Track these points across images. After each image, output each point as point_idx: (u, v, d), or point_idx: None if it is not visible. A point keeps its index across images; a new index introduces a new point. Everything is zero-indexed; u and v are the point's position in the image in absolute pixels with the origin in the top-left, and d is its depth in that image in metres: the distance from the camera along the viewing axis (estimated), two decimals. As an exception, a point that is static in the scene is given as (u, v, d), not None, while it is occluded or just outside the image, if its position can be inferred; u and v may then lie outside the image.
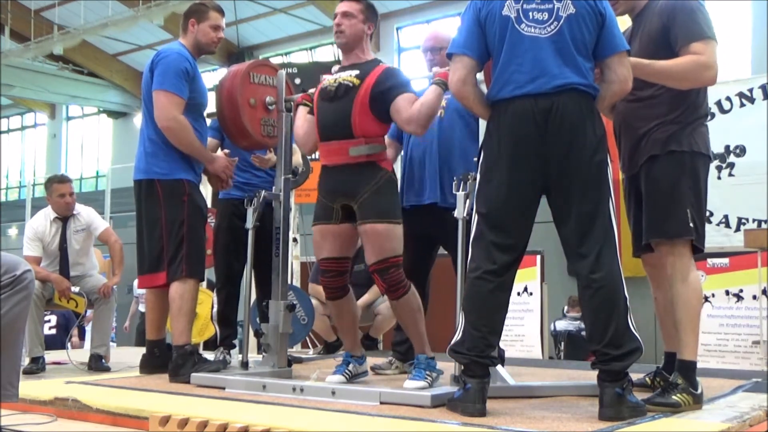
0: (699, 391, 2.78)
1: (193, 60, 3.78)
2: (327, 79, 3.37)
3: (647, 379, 3.21)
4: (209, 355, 4.06)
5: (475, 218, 2.84)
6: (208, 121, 4.07)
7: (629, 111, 3.01)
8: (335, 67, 3.45)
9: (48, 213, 4.89)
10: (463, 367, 2.74)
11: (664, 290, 3.07)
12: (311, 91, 3.53)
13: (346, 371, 3.36)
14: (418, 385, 3.03)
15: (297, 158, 4.27)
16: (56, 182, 4.91)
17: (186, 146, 3.69)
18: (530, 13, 2.72)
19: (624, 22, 3.06)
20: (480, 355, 2.68)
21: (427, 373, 3.12)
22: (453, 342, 2.76)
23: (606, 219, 2.70)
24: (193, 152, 3.72)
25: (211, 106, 3.97)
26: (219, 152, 4.07)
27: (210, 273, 4.91)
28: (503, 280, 2.74)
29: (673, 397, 2.71)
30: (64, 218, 4.86)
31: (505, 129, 2.73)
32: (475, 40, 2.80)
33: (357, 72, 3.28)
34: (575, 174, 2.69)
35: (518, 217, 2.76)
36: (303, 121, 3.47)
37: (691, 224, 2.86)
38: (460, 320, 2.78)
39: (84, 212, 4.96)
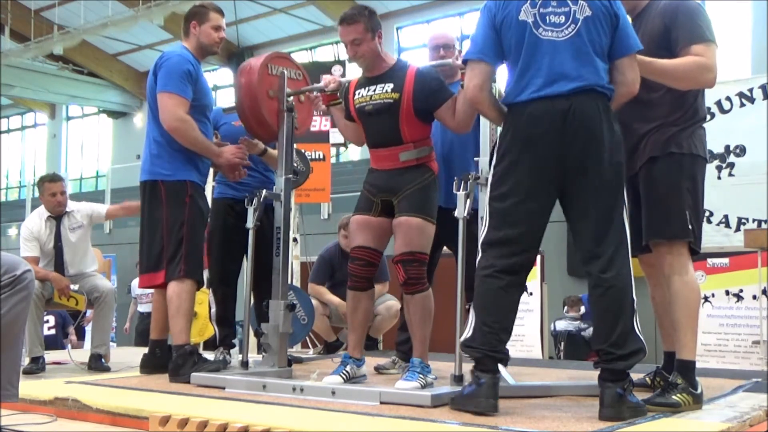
0: (699, 390, 2.79)
1: (195, 62, 3.82)
2: (361, 95, 3.42)
3: (647, 379, 3.21)
4: (209, 355, 4.05)
5: (487, 217, 2.85)
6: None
7: (629, 112, 3.01)
8: (354, 77, 3.51)
9: (41, 212, 4.89)
10: (474, 363, 2.75)
11: (661, 290, 3.08)
12: (331, 86, 3.57)
13: (344, 372, 3.35)
14: (411, 385, 3.03)
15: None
16: (47, 181, 4.92)
17: (193, 144, 3.73)
18: (547, 17, 2.73)
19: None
20: (492, 349, 2.70)
21: (421, 375, 3.13)
22: (464, 338, 2.78)
23: (620, 220, 2.73)
24: (200, 149, 3.76)
25: (229, 101, 3.98)
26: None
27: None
28: (516, 279, 2.76)
29: (673, 397, 2.72)
30: (58, 216, 4.87)
31: (523, 131, 2.74)
32: (491, 45, 2.81)
33: (392, 85, 3.34)
34: (593, 175, 2.69)
35: (533, 217, 2.77)
36: (345, 127, 3.62)
37: (690, 226, 2.87)
38: (471, 318, 2.79)
39: (79, 208, 4.96)
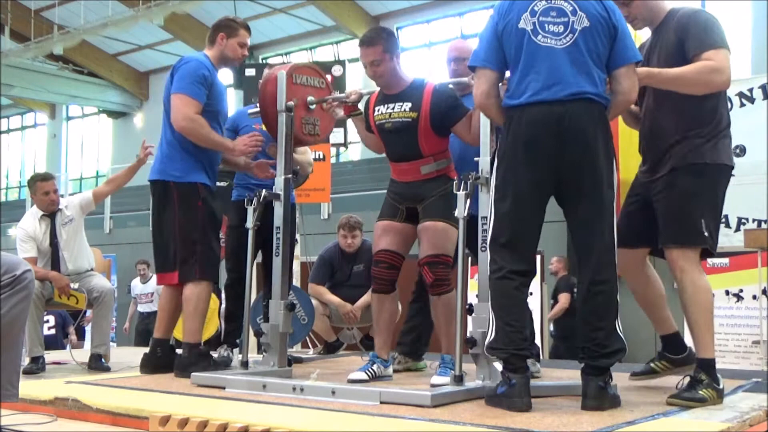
0: (721, 386, 2.88)
1: (212, 69, 3.90)
2: (380, 112, 3.55)
3: (652, 364, 3.31)
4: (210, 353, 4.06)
5: (491, 220, 2.92)
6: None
7: (656, 121, 3.06)
8: (372, 93, 3.66)
9: (35, 212, 4.90)
10: (503, 364, 2.80)
11: (642, 282, 3.23)
12: (352, 98, 3.66)
13: (370, 370, 3.43)
14: (446, 380, 3.11)
15: (307, 158, 4.50)
16: (39, 180, 4.93)
17: (205, 141, 3.80)
18: (546, 26, 2.81)
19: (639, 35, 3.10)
20: (518, 347, 2.76)
21: (452, 371, 3.16)
22: (488, 341, 2.85)
23: (610, 225, 2.81)
24: (213, 145, 3.85)
25: (227, 100, 4.05)
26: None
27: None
28: (526, 279, 2.85)
29: (700, 392, 2.81)
30: (52, 214, 4.88)
31: (521, 133, 2.81)
32: (494, 52, 2.90)
33: (410, 104, 3.48)
34: (586, 181, 2.78)
35: (531, 219, 2.86)
36: (365, 137, 3.74)
37: (706, 233, 2.94)
38: (491, 321, 2.85)
39: (68, 202, 4.97)
